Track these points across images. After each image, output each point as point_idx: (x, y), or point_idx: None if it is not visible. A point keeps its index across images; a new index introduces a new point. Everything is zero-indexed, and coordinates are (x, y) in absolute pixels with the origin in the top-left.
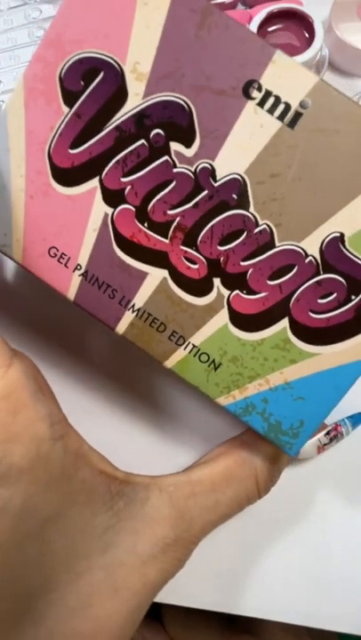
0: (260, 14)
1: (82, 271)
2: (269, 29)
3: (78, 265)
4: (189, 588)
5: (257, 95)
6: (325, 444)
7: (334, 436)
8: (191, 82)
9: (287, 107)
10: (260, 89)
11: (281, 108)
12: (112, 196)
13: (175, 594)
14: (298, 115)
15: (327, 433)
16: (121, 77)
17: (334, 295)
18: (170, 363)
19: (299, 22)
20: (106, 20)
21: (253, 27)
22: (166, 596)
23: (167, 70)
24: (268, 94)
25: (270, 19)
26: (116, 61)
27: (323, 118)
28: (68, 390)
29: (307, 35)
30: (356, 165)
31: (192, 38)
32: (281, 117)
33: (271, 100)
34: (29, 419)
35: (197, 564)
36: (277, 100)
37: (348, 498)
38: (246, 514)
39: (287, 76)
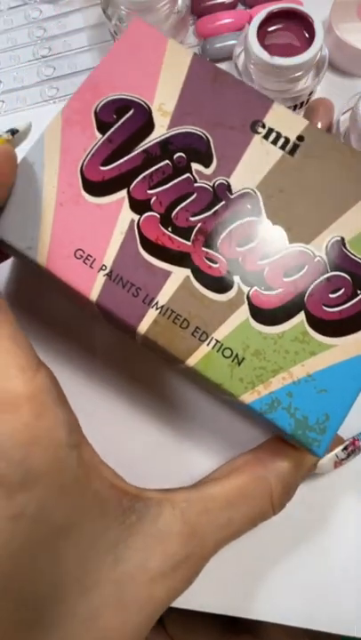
0: (260, 14)
1: (107, 271)
2: (269, 29)
3: (103, 265)
4: (191, 592)
5: (262, 131)
6: (343, 459)
7: (352, 450)
8: (208, 119)
9: (287, 140)
10: (263, 126)
11: (282, 140)
12: (139, 205)
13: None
14: (296, 146)
15: (345, 448)
16: (149, 113)
17: (343, 290)
18: (193, 360)
19: (299, 22)
20: (138, 73)
21: (253, 27)
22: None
23: (188, 110)
24: (270, 130)
25: (270, 19)
26: (144, 102)
27: (315, 148)
28: (80, 398)
29: (307, 35)
30: (344, 184)
31: (208, 89)
32: (283, 147)
33: (274, 135)
34: (51, 423)
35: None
36: (279, 135)
37: (354, 501)
38: None
39: (285, 119)
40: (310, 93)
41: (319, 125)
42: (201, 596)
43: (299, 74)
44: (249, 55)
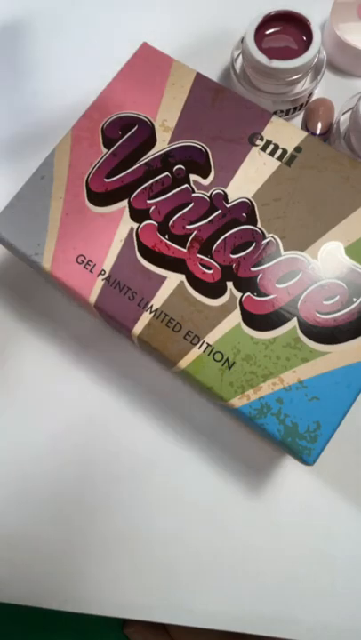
0: (257, 18)
1: (105, 276)
2: (267, 32)
3: (103, 270)
4: (191, 607)
5: (260, 143)
6: None
7: None
8: (207, 133)
9: (284, 151)
10: (262, 139)
11: (280, 152)
12: (138, 214)
13: (178, 614)
14: (293, 157)
15: None
16: (152, 129)
17: (338, 297)
18: (184, 363)
19: (296, 25)
20: (143, 92)
21: (251, 30)
22: (170, 615)
23: (189, 125)
24: (268, 142)
25: (268, 22)
26: (148, 119)
27: (312, 159)
28: (85, 401)
29: (304, 37)
30: (341, 193)
31: (208, 105)
32: (280, 158)
33: (271, 147)
34: None
35: (197, 582)
36: (276, 147)
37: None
38: (247, 528)
39: (283, 131)
40: (309, 95)
41: (319, 125)
42: (204, 613)
43: (297, 76)
44: (247, 59)
